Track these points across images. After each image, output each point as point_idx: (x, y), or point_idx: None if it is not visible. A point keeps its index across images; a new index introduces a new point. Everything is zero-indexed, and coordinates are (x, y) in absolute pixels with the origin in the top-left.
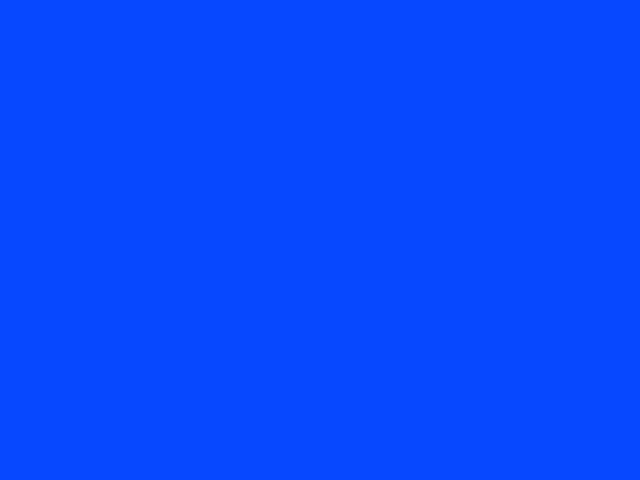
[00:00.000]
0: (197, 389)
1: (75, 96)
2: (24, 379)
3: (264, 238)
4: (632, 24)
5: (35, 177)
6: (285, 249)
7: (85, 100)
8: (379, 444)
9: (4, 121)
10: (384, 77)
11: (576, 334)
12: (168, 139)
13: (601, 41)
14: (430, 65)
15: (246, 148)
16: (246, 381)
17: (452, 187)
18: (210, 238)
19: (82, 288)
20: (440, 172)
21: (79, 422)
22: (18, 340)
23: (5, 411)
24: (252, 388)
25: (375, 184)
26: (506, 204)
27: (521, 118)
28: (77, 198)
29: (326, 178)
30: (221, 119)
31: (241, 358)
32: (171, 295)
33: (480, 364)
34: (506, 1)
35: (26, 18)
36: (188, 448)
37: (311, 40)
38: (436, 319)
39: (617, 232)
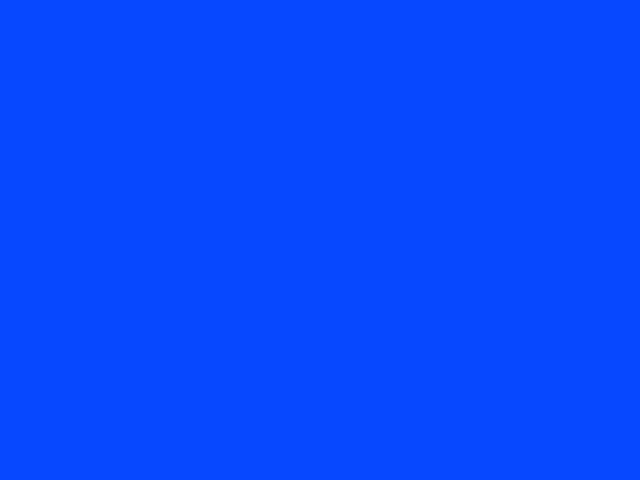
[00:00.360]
0: (197, 389)
1: (75, 96)
2: (24, 379)
3: (264, 238)
4: (632, 24)
5: (35, 177)
6: (285, 249)
7: (85, 100)
8: (379, 444)
9: (4, 121)
10: (384, 77)
11: (576, 334)
12: (168, 139)
13: (601, 41)
14: (430, 65)
15: (246, 148)
16: (246, 381)
17: (452, 187)
18: (210, 238)
19: (82, 288)
20: (440, 172)
21: (79, 422)
22: (18, 340)
23: (5, 411)
24: (252, 388)
25: (375, 184)
26: (506, 204)
27: (521, 118)
28: (77, 198)
29: (326, 178)
30: (221, 119)
31: (241, 358)
32: (171, 295)
33: (480, 364)
34: (506, 1)
35: (26, 18)
36: (188, 448)
37: (311, 40)
38: (436, 319)
39: (617, 232)
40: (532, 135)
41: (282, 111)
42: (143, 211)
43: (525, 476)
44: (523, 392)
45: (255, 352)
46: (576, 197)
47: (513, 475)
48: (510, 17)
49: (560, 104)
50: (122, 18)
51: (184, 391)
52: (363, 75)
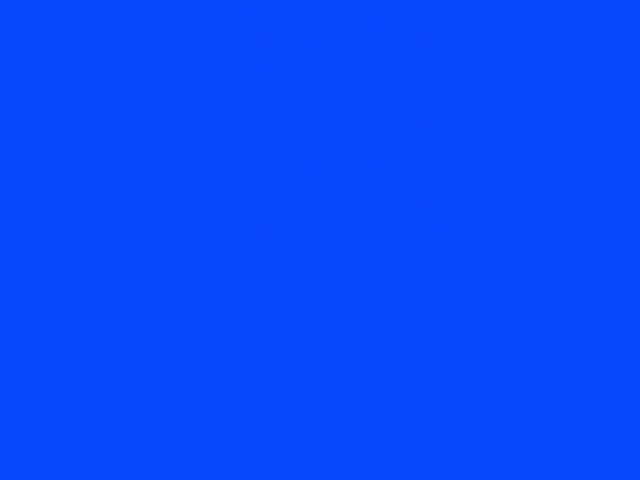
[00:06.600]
0: (197, 389)
1: (75, 96)
2: (24, 379)
3: (264, 238)
4: (632, 24)
5: (35, 177)
6: (285, 249)
7: (85, 100)
8: (379, 444)
9: (4, 121)
10: (384, 78)
11: (576, 334)
12: (168, 139)
13: (601, 41)
14: (430, 65)
15: (246, 148)
16: (246, 381)
17: (452, 188)
18: (210, 238)
19: (82, 288)
20: (440, 173)
21: (79, 422)
22: (18, 340)
23: (5, 411)
24: (252, 388)
25: (375, 185)
26: (506, 204)
27: (521, 118)
28: (77, 198)
29: (326, 179)
30: (221, 119)
31: (241, 358)
32: (171, 296)
33: (480, 364)
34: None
35: (26, 18)
36: (188, 448)
37: (311, 40)
38: (436, 319)
39: (617, 232)
40: (532, 135)
41: (282, 111)
42: (143, 211)
43: (525, 476)
44: (523, 392)
45: (255, 352)
46: (576, 197)
47: (513, 475)
48: (510, 17)
49: (560, 104)
50: (122, 18)
51: (184, 391)
52: (363, 76)
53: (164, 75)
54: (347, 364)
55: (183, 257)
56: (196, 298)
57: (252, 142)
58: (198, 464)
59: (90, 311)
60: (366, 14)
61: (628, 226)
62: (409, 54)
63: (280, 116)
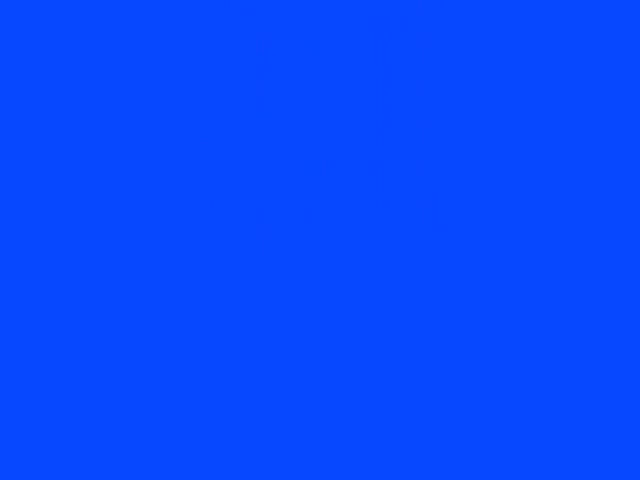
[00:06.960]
0: (197, 389)
1: (74, 96)
2: (24, 379)
3: (264, 238)
4: (632, 24)
5: (34, 177)
6: (285, 249)
7: (85, 100)
8: (379, 444)
9: (4, 121)
10: (384, 77)
11: (576, 334)
12: (168, 139)
13: (601, 41)
14: (430, 65)
15: (246, 148)
16: (246, 381)
17: (452, 188)
18: (210, 238)
19: (82, 288)
20: (440, 172)
21: (79, 422)
22: (18, 340)
23: (5, 411)
24: (252, 388)
25: (375, 185)
26: (506, 204)
27: (521, 118)
28: (77, 198)
29: (326, 178)
30: (221, 119)
31: (241, 358)
32: (171, 296)
33: (480, 364)
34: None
35: (26, 18)
36: (188, 448)
37: (311, 40)
38: (436, 319)
39: (617, 232)
40: (532, 135)
41: (282, 111)
42: (143, 212)
43: (525, 476)
44: (523, 392)
45: (255, 352)
46: (576, 197)
47: (513, 475)
48: (510, 17)
49: (560, 104)
50: (122, 18)
51: (184, 392)
52: (363, 75)
53: (164, 75)
54: (347, 364)
55: (183, 257)
56: (196, 297)
57: (252, 141)
58: (198, 464)
59: (90, 311)
60: (366, 14)
61: (628, 226)
62: (409, 54)
63: (280, 116)
